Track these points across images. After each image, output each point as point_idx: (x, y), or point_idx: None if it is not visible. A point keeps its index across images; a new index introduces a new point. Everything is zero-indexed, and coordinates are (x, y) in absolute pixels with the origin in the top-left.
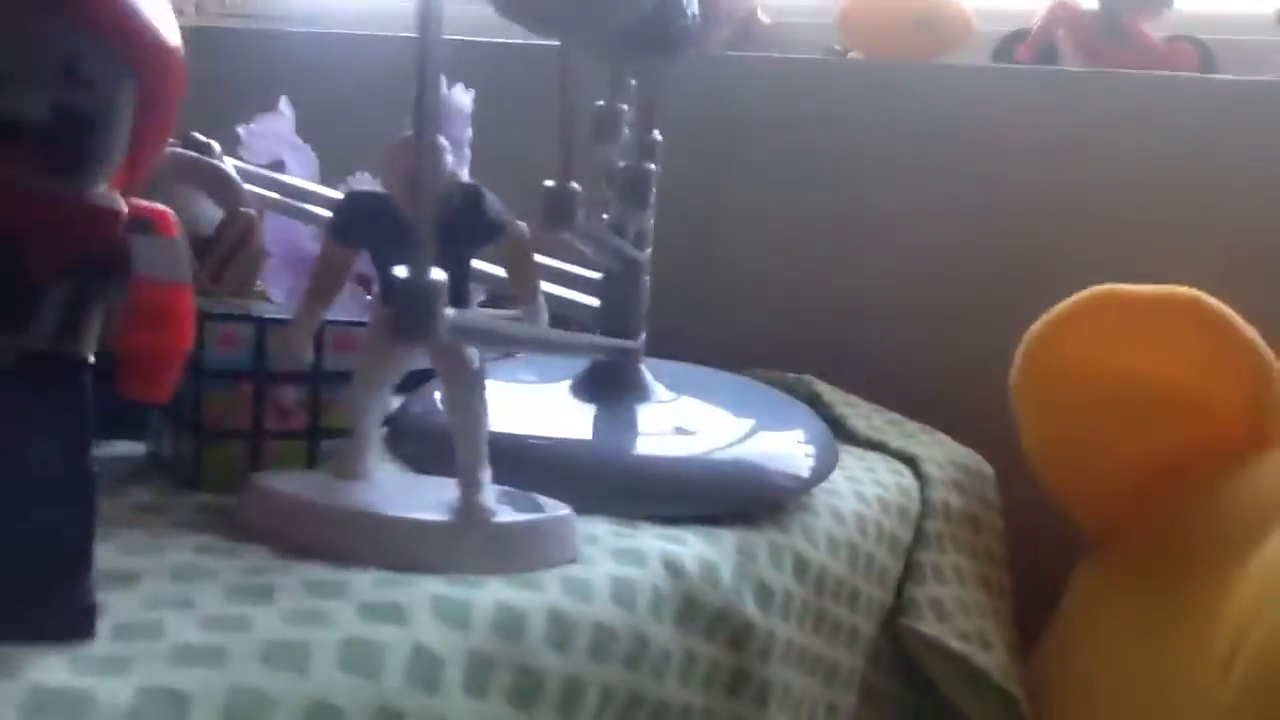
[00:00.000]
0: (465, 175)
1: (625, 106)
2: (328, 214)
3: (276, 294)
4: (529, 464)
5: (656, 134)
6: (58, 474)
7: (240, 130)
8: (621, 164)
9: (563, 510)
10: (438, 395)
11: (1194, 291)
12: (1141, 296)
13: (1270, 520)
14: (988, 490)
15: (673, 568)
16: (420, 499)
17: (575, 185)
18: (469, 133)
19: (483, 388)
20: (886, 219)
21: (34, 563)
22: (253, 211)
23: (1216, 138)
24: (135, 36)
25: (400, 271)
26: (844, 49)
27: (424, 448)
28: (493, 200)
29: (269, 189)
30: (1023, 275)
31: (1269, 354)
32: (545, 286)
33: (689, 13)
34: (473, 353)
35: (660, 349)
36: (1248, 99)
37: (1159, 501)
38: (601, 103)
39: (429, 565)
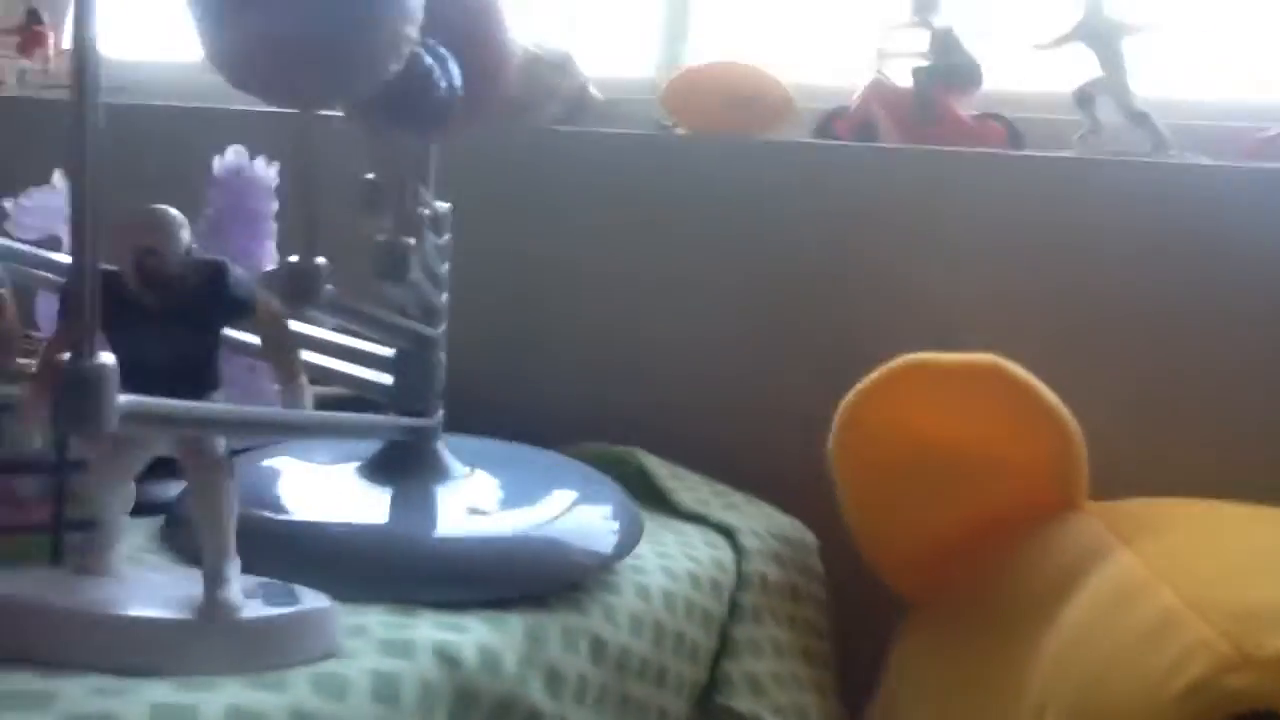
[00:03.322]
0: (270, 249)
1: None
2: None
3: None
4: (301, 552)
5: (430, 209)
6: None
7: (7, 205)
8: (381, 237)
9: (321, 603)
10: None
11: (997, 359)
12: (947, 365)
13: (1071, 582)
14: (810, 559)
15: (447, 658)
16: (163, 595)
17: (320, 260)
18: (274, 205)
19: (230, 476)
20: (708, 290)
21: None
22: (1, 289)
23: (1022, 210)
24: None
25: (66, 355)
26: (674, 124)
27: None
28: (240, 276)
29: (37, 266)
30: (841, 345)
31: (1069, 417)
32: (340, 365)
33: (443, 84)
34: (216, 440)
35: (478, 426)
36: (1050, 173)
37: (970, 565)
38: (370, 176)
39: (162, 668)
